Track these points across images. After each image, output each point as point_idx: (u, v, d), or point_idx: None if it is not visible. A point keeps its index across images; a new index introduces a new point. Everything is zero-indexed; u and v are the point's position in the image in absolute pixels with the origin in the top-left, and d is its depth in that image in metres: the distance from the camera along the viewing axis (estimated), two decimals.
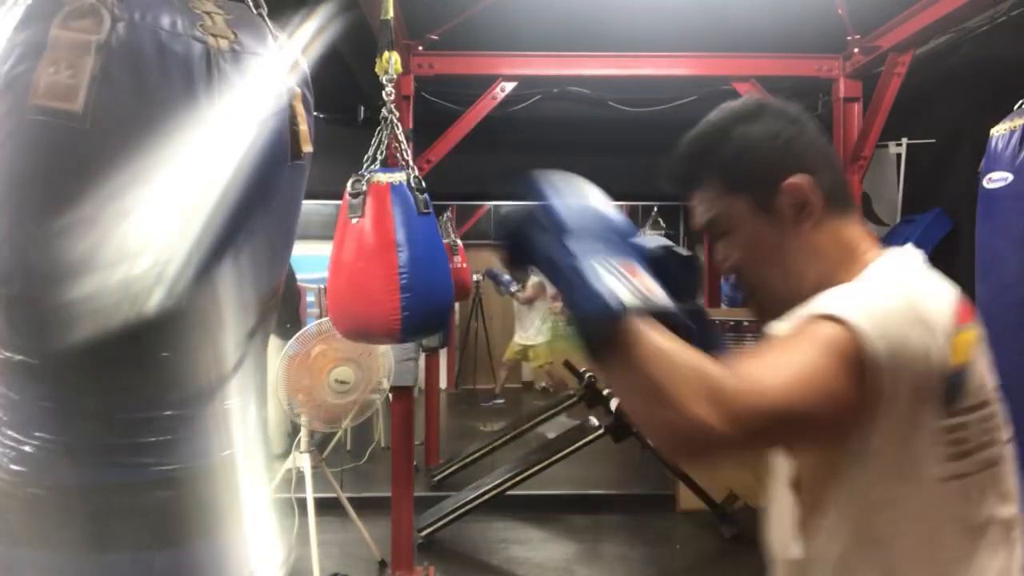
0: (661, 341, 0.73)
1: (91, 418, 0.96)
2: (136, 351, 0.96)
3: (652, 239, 0.95)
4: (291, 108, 1.08)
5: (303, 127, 1.10)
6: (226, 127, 0.96)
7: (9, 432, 0.96)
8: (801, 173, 0.91)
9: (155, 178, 0.90)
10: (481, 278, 8.16)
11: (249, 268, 1.05)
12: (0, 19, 0.92)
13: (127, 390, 0.97)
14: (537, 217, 0.81)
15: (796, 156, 0.92)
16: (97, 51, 0.88)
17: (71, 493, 0.95)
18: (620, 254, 0.76)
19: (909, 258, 0.90)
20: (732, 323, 4.46)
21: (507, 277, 7.52)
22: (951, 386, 0.80)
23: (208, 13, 0.97)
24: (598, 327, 0.73)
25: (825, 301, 0.81)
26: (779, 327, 0.83)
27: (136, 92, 0.91)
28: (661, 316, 0.75)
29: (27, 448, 0.94)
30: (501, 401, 8.04)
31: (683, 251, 0.98)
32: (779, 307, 0.91)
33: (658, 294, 0.75)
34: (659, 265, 0.87)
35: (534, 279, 7.81)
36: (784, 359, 0.77)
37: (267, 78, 1.03)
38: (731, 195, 0.95)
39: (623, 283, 0.73)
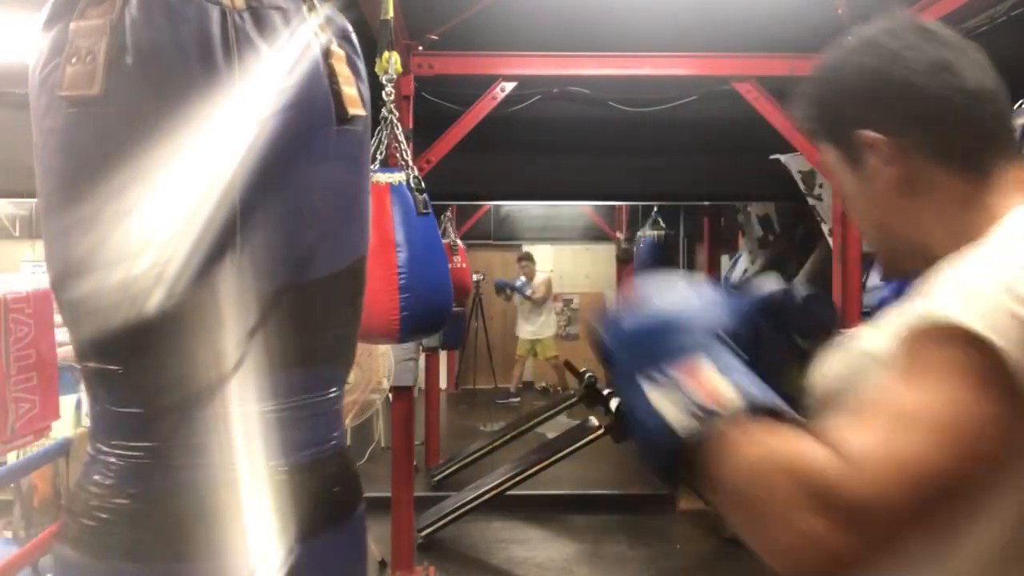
0: (746, 449, 0.60)
1: (171, 420, 0.94)
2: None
3: (765, 283, 0.86)
4: (330, 67, 1.00)
5: (347, 88, 1.01)
6: (252, 93, 0.91)
7: (95, 444, 0.96)
8: (878, 127, 0.76)
9: (180, 158, 0.88)
10: (481, 278, 8.18)
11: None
12: (34, 23, 0.93)
13: (212, 387, 0.96)
14: (602, 345, 0.73)
15: (879, 104, 0.77)
16: (111, 32, 0.87)
17: (159, 499, 0.93)
18: (667, 355, 0.65)
19: None
20: None
21: (519, 282, 7.59)
22: None
23: None
24: (662, 463, 0.65)
25: (936, 298, 0.63)
26: (875, 341, 0.68)
27: (152, 67, 0.89)
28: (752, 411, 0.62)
29: (112, 457, 0.94)
30: (517, 399, 8.07)
31: (801, 291, 0.87)
32: (892, 262, 0.82)
33: (730, 394, 0.62)
34: (776, 311, 0.80)
35: (541, 276, 7.84)
36: (904, 410, 0.58)
37: (294, 34, 0.96)
38: (823, 142, 0.83)
39: (676, 397, 0.63)
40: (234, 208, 0.92)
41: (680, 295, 0.73)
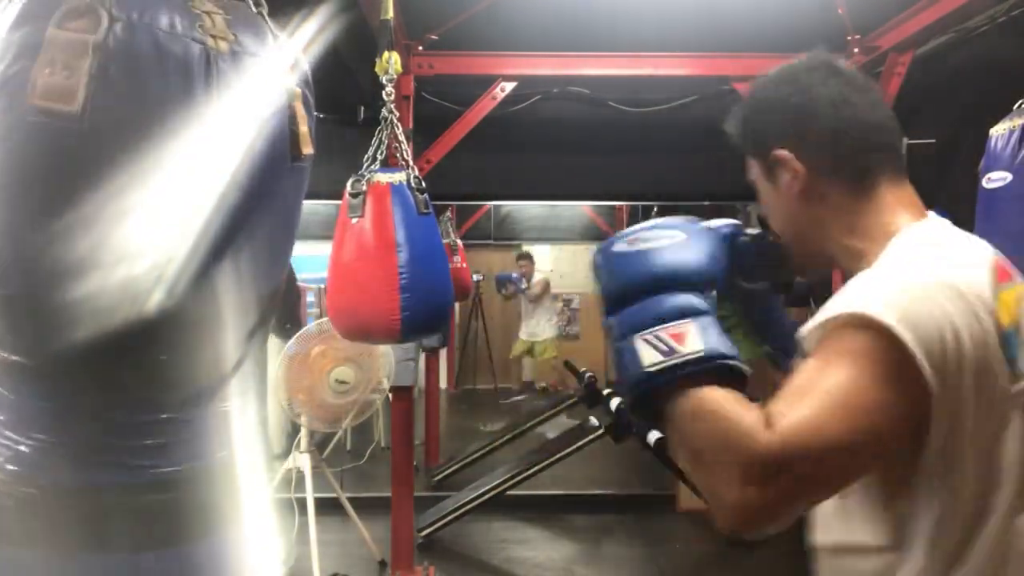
0: (701, 404, 0.72)
1: (88, 419, 0.95)
2: (135, 352, 0.96)
3: (721, 222, 0.96)
4: (291, 108, 1.07)
5: (303, 128, 1.09)
6: (225, 128, 0.96)
7: (6, 432, 0.96)
8: (789, 146, 0.90)
9: (154, 180, 0.90)
10: (481, 278, 8.18)
11: (249, 269, 1.04)
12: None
13: (125, 391, 0.97)
14: (600, 287, 0.85)
15: (789, 126, 0.92)
16: (94, 52, 0.87)
17: (67, 494, 0.95)
18: (661, 312, 0.76)
19: (931, 228, 0.87)
20: None
21: (515, 275, 7.56)
22: (1008, 347, 0.75)
23: (207, 13, 0.96)
24: (634, 400, 0.76)
25: (847, 298, 0.77)
26: (805, 331, 0.80)
27: (134, 93, 0.90)
28: (710, 370, 0.74)
29: (23, 448, 0.94)
30: (522, 397, 8.09)
31: (751, 231, 0.99)
32: (801, 260, 0.96)
33: (695, 346, 0.74)
34: (735, 254, 0.92)
35: (539, 276, 7.83)
36: (819, 390, 0.71)
37: (266, 79, 1.03)
38: (749, 157, 0.99)
39: (654, 348, 0.74)
40: (198, 231, 0.95)
41: (691, 250, 0.82)
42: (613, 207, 8.37)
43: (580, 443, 4.28)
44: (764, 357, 1.03)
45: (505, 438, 5.36)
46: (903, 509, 0.78)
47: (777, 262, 0.99)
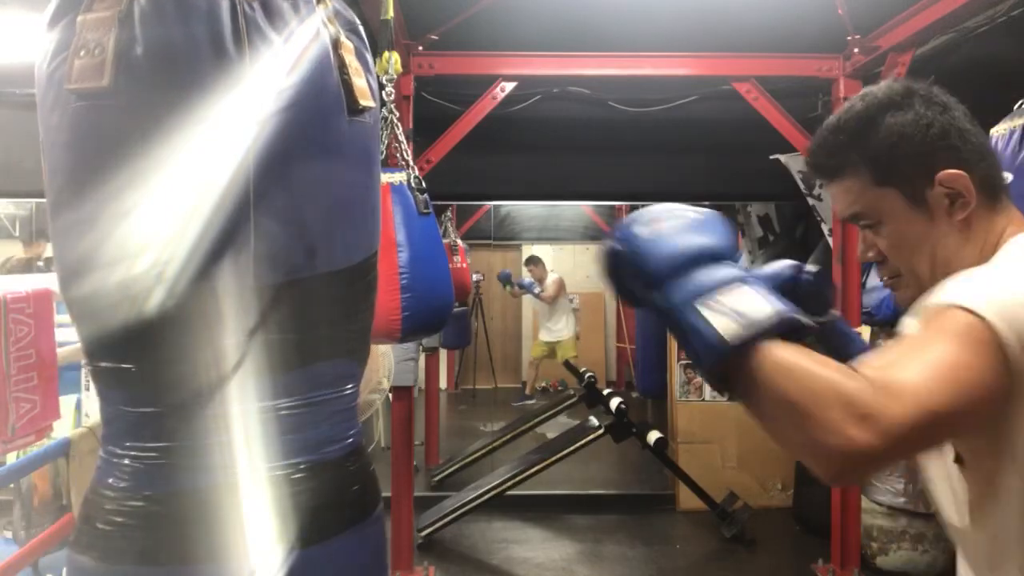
0: (789, 361, 0.72)
1: (186, 419, 0.93)
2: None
3: (779, 263, 0.96)
4: (340, 58, 1.00)
5: (358, 80, 1.01)
6: (264, 81, 0.91)
7: (108, 447, 0.96)
8: (955, 165, 0.88)
9: (182, 155, 0.87)
10: (481, 278, 8.17)
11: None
12: (39, 22, 0.92)
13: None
14: (627, 270, 0.83)
15: (950, 147, 0.89)
16: (120, 24, 0.87)
17: (175, 500, 0.92)
18: (716, 281, 0.76)
19: None
20: None
21: (527, 281, 7.53)
22: None
23: None
24: (713, 368, 0.74)
25: (949, 289, 0.79)
26: (908, 323, 0.81)
27: (163, 58, 0.88)
28: (784, 329, 0.74)
29: (125, 459, 0.93)
30: (532, 401, 8.07)
31: (811, 268, 0.99)
32: (923, 292, 0.92)
33: (766, 310, 0.74)
34: (789, 288, 0.92)
35: (553, 276, 7.80)
36: (921, 358, 0.74)
37: (304, 25, 0.96)
38: (880, 187, 0.92)
39: (724, 315, 0.74)
40: (246, 199, 0.91)
41: (710, 227, 0.83)
42: (613, 207, 8.37)
43: (580, 443, 4.28)
44: None
45: (505, 438, 5.37)
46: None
47: (831, 292, 1.01)
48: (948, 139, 0.90)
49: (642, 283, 0.81)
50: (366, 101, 1.02)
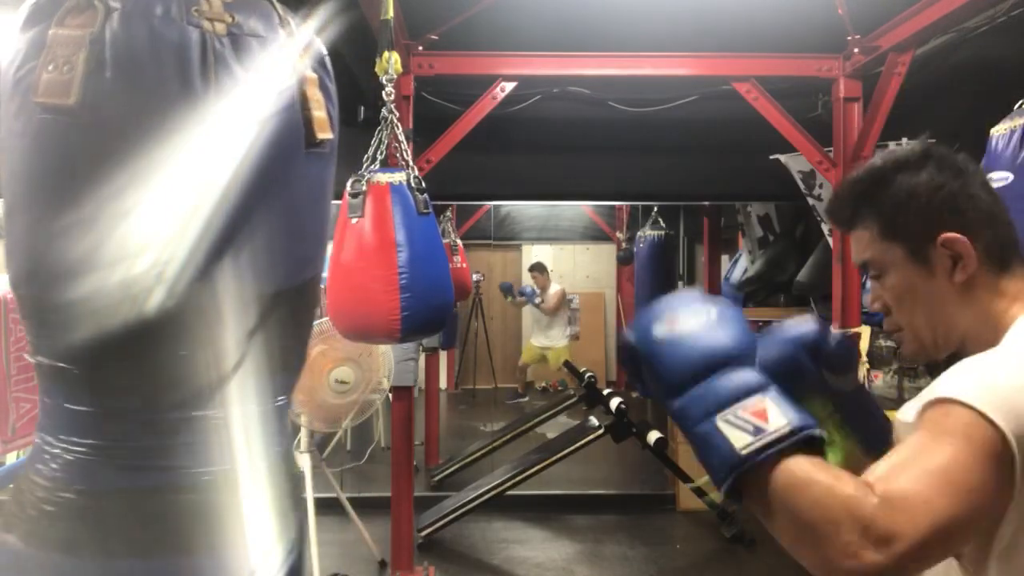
0: (802, 478, 0.73)
1: (123, 421, 0.95)
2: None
3: (803, 324, 0.97)
4: (303, 93, 1.04)
5: (318, 113, 1.06)
6: (226, 116, 0.94)
7: (46, 438, 0.97)
8: (959, 229, 0.91)
9: (154, 173, 0.89)
10: (481, 278, 8.16)
11: (249, 267, 1.04)
12: (12, 22, 0.93)
13: (159, 390, 0.97)
14: (645, 369, 0.83)
15: (955, 211, 0.92)
16: (91, 44, 0.88)
17: (104, 497, 0.94)
18: (732, 391, 0.77)
19: None
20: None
21: (529, 289, 7.53)
22: None
23: None
24: (724, 481, 0.75)
25: (953, 381, 0.80)
26: (906, 413, 0.83)
27: (130, 83, 0.90)
28: (799, 444, 0.75)
29: (60, 452, 0.95)
30: (526, 399, 8.12)
31: (836, 332, 1.00)
32: (923, 349, 0.96)
33: (781, 424, 0.74)
34: (812, 349, 0.93)
35: (556, 287, 7.77)
36: (926, 465, 0.74)
37: (271, 61, 1.00)
38: (886, 241, 0.96)
39: (739, 428, 0.75)
40: (203, 225, 0.94)
41: (728, 326, 0.83)
42: (613, 207, 8.37)
43: (580, 443, 4.28)
44: (859, 451, 1.05)
45: (505, 438, 5.36)
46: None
47: (856, 356, 1.02)
48: (955, 203, 0.92)
49: (659, 386, 0.82)
50: (324, 134, 1.07)
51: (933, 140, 0.97)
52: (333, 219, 1.37)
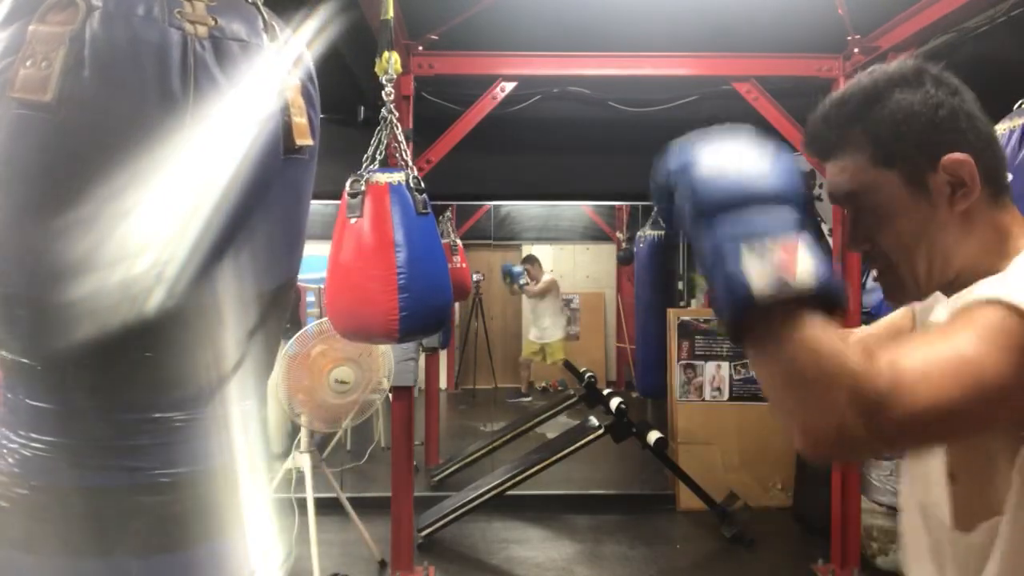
0: (809, 333, 0.67)
1: (87, 419, 0.95)
2: (134, 352, 0.95)
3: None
4: (283, 99, 1.04)
5: (299, 119, 1.05)
6: (203, 119, 0.94)
7: (5, 432, 0.96)
8: (961, 149, 0.83)
9: (131, 173, 0.89)
10: (481, 278, 8.16)
11: (249, 267, 1.04)
12: None
13: (122, 392, 0.96)
14: (681, 192, 0.76)
15: (957, 130, 0.84)
16: (71, 42, 0.88)
17: (63, 494, 0.94)
18: (768, 225, 0.70)
19: None
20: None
21: (518, 270, 7.52)
22: None
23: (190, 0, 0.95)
24: (731, 315, 0.70)
25: (987, 287, 0.75)
26: (938, 316, 0.78)
27: (108, 82, 0.90)
28: (820, 302, 0.69)
29: (19, 447, 0.94)
30: (528, 398, 8.12)
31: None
32: (916, 288, 0.88)
33: (807, 276, 0.68)
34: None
35: (548, 276, 7.79)
36: (944, 348, 0.69)
37: (253, 65, 1.00)
38: (879, 168, 0.86)
39: (762, 267, 0.68)
40: (179, 228, 0.93)
41: (775, 162, 0.76)
42: (613, 207, 8.36)
43: (580, 443, 4.28)
44: None
45: (505, 438, 5.36)
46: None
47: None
48: (956, 122, 0.84)
49: (693, 209, 0.74)
50: (303, 140, 1.06)
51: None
52: (329, 223, 1.37)
